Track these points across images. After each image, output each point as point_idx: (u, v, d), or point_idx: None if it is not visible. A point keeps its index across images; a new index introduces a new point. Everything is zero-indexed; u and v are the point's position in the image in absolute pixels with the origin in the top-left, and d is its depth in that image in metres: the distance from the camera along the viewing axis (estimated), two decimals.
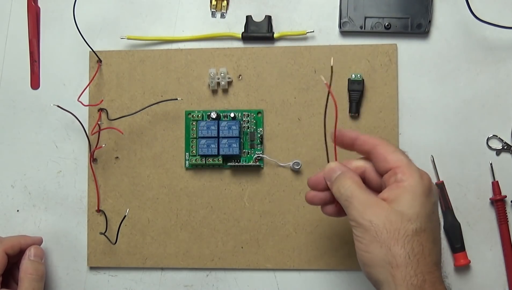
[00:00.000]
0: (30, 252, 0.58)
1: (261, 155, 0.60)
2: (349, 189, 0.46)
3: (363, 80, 0.59)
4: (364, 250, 0.44)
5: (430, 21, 0.60)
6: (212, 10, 0.63)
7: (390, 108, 0.60)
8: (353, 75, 0.59)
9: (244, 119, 0.61)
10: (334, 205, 0.50)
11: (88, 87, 0.62)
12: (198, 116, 0.61)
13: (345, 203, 0.46)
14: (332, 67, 0.48)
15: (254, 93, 0.61)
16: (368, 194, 0.46)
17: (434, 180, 0.59)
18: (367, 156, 0.49)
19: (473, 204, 0.59)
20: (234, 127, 0.59)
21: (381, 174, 0.48)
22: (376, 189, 0.48)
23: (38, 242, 0.61)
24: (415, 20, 0.60)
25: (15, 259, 0.58)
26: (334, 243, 0.59)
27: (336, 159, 0.49)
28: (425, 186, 0.45)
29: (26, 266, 0.57)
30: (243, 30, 0.62)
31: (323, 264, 0.59)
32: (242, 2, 0.62)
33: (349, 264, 0.59)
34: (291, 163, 0.60)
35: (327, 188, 0.49)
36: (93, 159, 0.61)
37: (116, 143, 0.62)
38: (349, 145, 0.49)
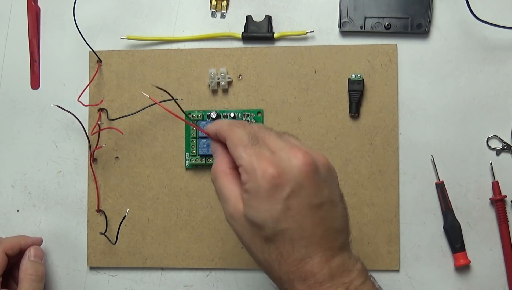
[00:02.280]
0: (30, 253, 0.58)
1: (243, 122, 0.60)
2: (217, 183, 0.44)
3: (363, 80, 0.59)
4: (244, 244, 0.44)
5: (430, 21, 0.60)
6: (212, 10, 0.63)
7: (390, 108, 0.60)
8: (353, 75, 0.59)
9: (244, 119, 0.61)
10: None
11: (88, 87, 0.62)
12: (198, 116, 0.61)
13: (214, 185, 0.44)
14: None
15: (254, 93, 0.61)
16: (232, 194, 0.43)
17: (434, 180, 0.59)
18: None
19: (473, 204, 0.59)
20: None
21: None
22: None
23: (38, 242, 0.61)
24: (415, 20, 0.60)
25: (15, 259, 0.58)
26: None
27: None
28: (268, 184, 0.40)
29: (26, 267, 0.57)
30: (243, 30, 0.62)
31: None
32: (242, 2, 0.62)
33: None
34: None
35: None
36: (93, 159, 0.61)
37: (116, 143, 0.62)
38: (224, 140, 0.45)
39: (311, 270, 0.41)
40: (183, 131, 0.61)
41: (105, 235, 0.60)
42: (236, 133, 0.43)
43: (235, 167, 0.43)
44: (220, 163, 0.44)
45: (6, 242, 0.58)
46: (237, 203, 0.43)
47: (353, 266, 0.42)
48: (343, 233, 0.43)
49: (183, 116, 0.61)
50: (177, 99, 0.60)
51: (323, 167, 0.42)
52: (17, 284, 0.57)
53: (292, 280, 0.41)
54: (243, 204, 0.42)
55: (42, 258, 0.59)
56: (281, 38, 0.61)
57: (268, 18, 0.61)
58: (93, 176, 0.61)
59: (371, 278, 0.43)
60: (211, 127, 0.45)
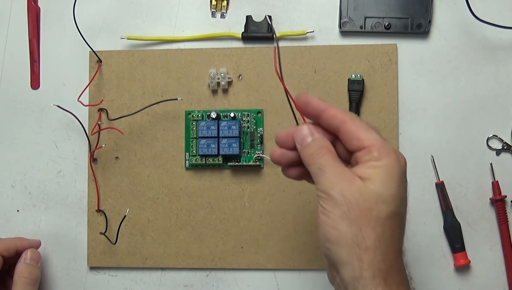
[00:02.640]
0: (26, 255, 0.58)
1: (261, 155, 0.60)
2: (324, 158, 0.42)
3: (363, 80, 0.59)
4: (331, 226, 0.40)
5: (430, 21, 0.60)
6: (212, 10, 0.63)
7: (390, 108, 0.60)
8: (353, 75, 0.59)
9: (244, 119, 0.61)
10: (298, 168, 0.46)
11: (88, 87, 0.62)
12: (198, 116, 0.61)
13: (317, 171, 0.42)
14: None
15: (254, 93, 0.61)
16: (343, 167, 0.42)
17: (434, 180, 0.59)
18: (334, 131, 0.43)
19: (473, 204, 0.59)
20: (234, 127, 0.59)
21: (352, 151, 0.43)
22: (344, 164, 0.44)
23: (36, 245, 0.60)
24: (415, 20, 0.60)
25: (12, 261, 0.58)
26: None
27: (304, 121, 0.44)
28: (402, 168, 0.42)
29: (21, 269, 0.57)
30: (243, 30, 0.62)
31: (323, 264, 0.59)
32: (242, 2, 0.62)
33: None
34: None
35: (295, 148, 0.44)
36: (93, 159, 0.61)
37: (116, 143, 0.62)
38: (315, 117, 0.44)
39: (402, 267, 0.41)
40: (183, 131, 0.61)
41: (105, 235, 0.60)
42: (358, 119, 0.43)
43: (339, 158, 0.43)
44: (326, 143, 0.43)
45: (2, 243, 0.58)
46: (351, 179, 0.41)
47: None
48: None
49: (183, 115, 0.61)
50: (177, 99, 0.61)
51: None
52: None
53: (374, 274, 0.40)
54: (364, 180, 0.41)
55: (38, 261, 0.59)
56: (281, 38, 0.61)
57: (268, 18, 0.61)
58: (93, 176, 0.61)
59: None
60: (317, 104, 0.43)
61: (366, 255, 0.40)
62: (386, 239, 0.40)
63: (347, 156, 0.44)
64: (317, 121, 0.44)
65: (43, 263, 0.62)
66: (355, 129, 0.42)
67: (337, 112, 0.43)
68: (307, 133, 0.43)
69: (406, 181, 0.42)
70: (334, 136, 0.44)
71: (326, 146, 0.43)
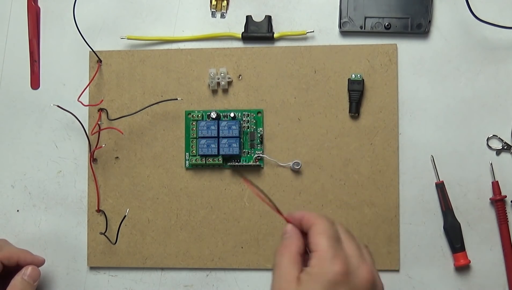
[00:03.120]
0: (26, 271, 0.57)
1: (261, 155, 0.60)
2: (280, 258, 0.46)
3: (363, 80, 0.59)
4: None
5: (430, 21, 0.60)
6: (212, 10, 0.63)
7: (390, 108, 0.60)
8: (353, 75, 0.59)
9: (244, 119, 0.61)
10: None
11: (88, 87, 0.62)
12: (198, 116, 0.61)
13: (273, 268, 0.46)
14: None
15: (254, 93, 0.61)
16: (291, 269, 0.45)
17: (434, 180, 0.59)
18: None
19: (473, 204, 0.59)
20: (234, 127, 0.59)
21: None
22: None
23: (38, 262, 0.59)
24: (415, 20, 0.60)
25: (12, 269, 0.58)
26: None
27: (289, 221, 0.48)
28: (333, 277, 0.43)
29: (15, 284, 0.56)
30: (243, 30, 0.62)
31: None
32: (242, 2, 0.62)
33: None
34: (291, 163, 0.60)
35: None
36: (93, 159, 0.61)
37: (116, 143, 0.62)
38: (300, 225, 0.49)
39: None
40: (183, 131, 0.61)
41: (105, 235, 0.60)
42: (325, 223, 0.46)
43: (302, 254, 0.46)
44: (291, 244, 0.46)
45: (5, 251, 0.58)
46: (290, 282, 0.44)
47: None
48: None
49: (183, 115, 0.61)
50: (177, 99, 0.61)
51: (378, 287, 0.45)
52: None
53: None
54: (297, 285, 0.44)
55: (36, 280, 0.58)
56: (281, 38, 0.61)
57: (268, 18, 0.61)
58: (93, 176, 0.61)
59: None
60: (298, 214, 0.47)
61: None
62: None
63: None
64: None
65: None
66: (312, 232, 0.45)
67: (311, 216, 0.46)
68: (286, 230, 0.47)
69: (342, 287, 0.43)
70: None
71: (289, 246, 0.46)
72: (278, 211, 0.47)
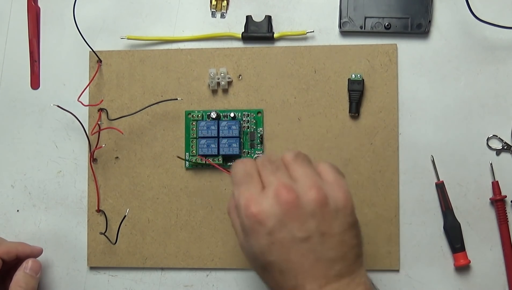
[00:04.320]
0: (27, 265, 0.57)
1: (261, 155, 0.60)
2: (230, 215, 0.49)
3: (363, 80, 0.59)
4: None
5: (430, 21, 0.60)
6: (212, 10, 0.63)
7: (390, 108, 0.60)
8: (353, 75, 0.59)
9: (244, 119, 0.61)
10: None
11: (88, 87, 0.62)
12: (198, 116, 0.61)
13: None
14: None
15: (254, 93, 0.61)
16: (236, 227, 0.48)
17: (434, 180, 0.59)
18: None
19: (473, 204, 0.59)
20: (234, 127, 0.59)
21: None
22: None
23: (37, 252, 0.60)
24: (415, 20, 0.60)
25: (12, 264, 0.58)
26: None
27: None
28: (250, 221, 0.44)
29: (18, 278, 0.56)
30: (243, 30, 0.62)
31: None
32: (242, 2, 0.62)
33: None
34: None
35: None
36: (93, 159, 0.61)
37: (116, 143, 0.62)
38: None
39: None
40: (183, 131, 0.61)
41: (105, 235, 0.60)
42: (234, 169, 0.47)
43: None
44: (231, 199, 0.48)
45: (3, 246, 0.58)
46: (239, 235, 0.47)
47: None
48: (339, 262, 0.43)
49: (183, 115, 0.61)
50: (177, 99, 0.61)
51: (307, 201, 0.43)
52: None
53: None
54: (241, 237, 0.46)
55: (38, 272, 0.58)
56: (281, 38, 0.61)
57: (268, 18, 0.61)
58: (93, 176, 0.61)
59: None
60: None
61: None
62: (273, 287, 0.46)
63: None
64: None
65: (43, 263, 0.61)
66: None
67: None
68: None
69: (262, 225, 0.44)
70: None
71: (232, 206, 0.48)
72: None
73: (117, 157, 0.62)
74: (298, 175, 0.45)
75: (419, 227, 0.59)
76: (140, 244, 0.61)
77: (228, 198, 0.60)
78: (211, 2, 0.62)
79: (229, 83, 0.61)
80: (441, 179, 0.59)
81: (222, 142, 0.59)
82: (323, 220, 0.43)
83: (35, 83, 0.64)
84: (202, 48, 0.62)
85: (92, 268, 0.62)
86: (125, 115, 0.61)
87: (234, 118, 0.60)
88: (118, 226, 0.60)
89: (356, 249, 0.44)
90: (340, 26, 0.61)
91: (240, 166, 0.47)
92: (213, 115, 0.59)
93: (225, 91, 0.61)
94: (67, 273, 0.62)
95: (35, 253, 0.60)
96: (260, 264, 0.45)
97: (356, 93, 0.59)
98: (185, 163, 0.61)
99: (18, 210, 0.63)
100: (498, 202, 0.58)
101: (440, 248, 0.59)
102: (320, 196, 0.43)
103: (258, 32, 0.61)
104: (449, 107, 0.60)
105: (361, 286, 0.44)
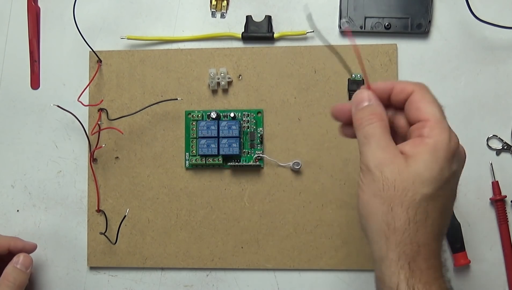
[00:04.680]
0: (18, 259, 0.57)
1: (261, 155, 0.60)
2: (372, 127, 0.40)
3: (363, 80, 0.59)
4: (365, 201, 0.40)
5: (430, 21, 0.60)
6: (212, 10, 0.63)
7: None
8: (353, 75, 0.59)
9: (244, 119, 0.61)
10: (353, 129, 0.43)
11: (88, 87, 0.62)
12: (198, 116, 0.61)
13: (363, 139, 0.41)
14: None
15: (254, 93, 0.61)
16: (390, 140, 0.40)
17: None
18: (403, 106, 0.43)
19: (473, 204, 0.59)
20: (234, 127, 0.59)
21: (410, 123, 0.42)
22: (400, 139, 0.42)
23: (30, 248, 0.59)
24: (415, 20, 0.60)
25: (5, 258, 0.58)
26: (334, 243, 0.59)
27: (369, 88, 0.43)
28: (451, 149, 0.39)
29: (7, 272, 0.56)
30: (243, 30, 0.62)
31: (323, 264, 0.59)
32: (242, 2, 0.62)
33: (349, 264, 0.59)
34: (291, 163, 0.60)
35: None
36: (93, 159, 0.61)
37: (116, 143, 0.62)
38: (385, 99, 0.43)
39: (434, 254, 0.40)
40: (183, 131, 0.61)
41: (105, 235, 0.60)
42: (428, 91, 0.42)
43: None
44: (380, 111, 0.41)
45: None
46: (396, 156, 0.40)
47: (445, 272, 0.41)
48: (441, 240, 0.42)
49: (183, 115, 0.61)
50: (177, 99, 0.61)
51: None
52: None
53: (399, 256, 0.39)
54: (406, 159, 0.39)
55: (29, 267, 0.58)
56: (281, 38, 0.61)
57: (268, 18, 0.61)
58: (93, 176, 0.61)
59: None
60: (384, 83, 0.43)
61: (393, 236, 0.39)
62: (417, 222, 0.39)
63: (404, 132, 0.43)
64: (389, 103, 0.43)
65: (43, 263, 0.62)
66: (419, 99, 0.41)
67: (406, 84, 0.42)
68: (365, 98, 0.42)
69: (454, 165, 0.40)
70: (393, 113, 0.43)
71: (379, 114, 0.41)
72: (364, 71, 0.43)
73: (117, 157, 0.62)
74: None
75: None
76: (140, 244, 0.61)
77: (227, 198, 0.60)
78: (211, 2, 0.62)
79: (229, 83, 0.61)
80: None
81: (222, 142, 0.59)
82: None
83: (35, 83, 0.64)
84: (202, 48, 0.62)
85: (92, 268, 0.62)
86: (125, 115, 0.61)
87: (234, 118, 0.60)
88: (118, 226, 0.60)
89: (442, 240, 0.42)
90: (340, 26, 0.61)
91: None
92: (213, 115, 0.59)
93: (225, 91, 0.61)
94: (67, 273, 0.62)
95: (28, 249, 0.59)
96: (424, 193, 0.39)
97: None
98: (185, 163, 0.61)
99: (18, 210, 0.63)
100: (498, 202, 0.58)
101: None
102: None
103: (258, 32, 0.61)
104: (449, 107, 0.60)
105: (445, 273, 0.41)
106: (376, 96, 0.42)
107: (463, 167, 0.42)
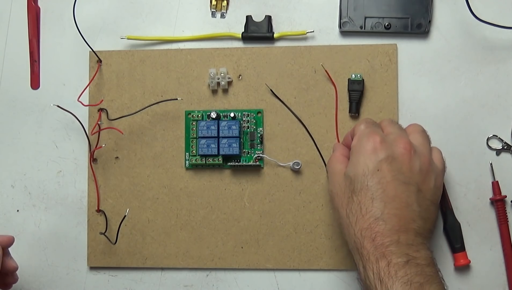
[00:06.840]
0: None
1: (261, 155, 0.60)
2: (329, 165, 0.55)
3: (363, 80, 0.59)
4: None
5: (430, 21, 0.60)
6: (212, 10, 0.63)
7: (390, 108, 0.60)
8: (353, 75, 0.59)
9: (244, 119, 0.61)
10: None
11: (88, 87, 0.62)
12: (198, 116, 0.61)
13: (328, 166, 0.55)
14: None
15: (254, 93, 0.61)
16: (337, 167, 0.53)
17: None
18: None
19: (473, 204, 0.59)
20: (234, 127, 0.59)
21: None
22: None
23: (6, 242, 0.55)
24: (415, 20, 0.60)
25: None
26: (334, 243, 0.59)
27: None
28: (370, 145, 0.50)
29: None
30: (243, 30, 0.62)
31: (323, 264, 0.59)
32: (242, 2, 0.62)
33: (349, 264, 0.59)
34: (291, 163, 0.60)
35: None
36: (93, 159, 0.61)
37: (116, 143, 0.62)
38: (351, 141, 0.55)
39: (381, 232, 0.47)
40: (183, 131, 0.61)
41: (105, 235, 0.60)
42: (364, 119, 0.55)
43: (347, 156, 0.53)
44: (337, 152, 0.55)
45: None
46: (341, 171, 0.52)
47: (422, 248, 0.47)
48: (420, 220, 0.49)
49: (183, 115, 0.61)
50: (177, 99, 0.61)
51: (424, 160, 0.51)
52: None
53: (364, 238, 0.47)
54: (346, 167, 0.51)
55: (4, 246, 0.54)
56: (281, 38, 0.61)
57: (268, 18, 0.61)
58: (93, 176, 0.61)
59: (438, 270, 0.48)
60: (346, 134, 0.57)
61: (345, 232, 0.51)
62: (354, 214, 0.49)
63: None
64: None
65: (43, 263, 0.62)
66: (356, 126, 0.54)
67: (354, 127, 0.55)
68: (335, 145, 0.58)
69: (379, 155, 0.49)
70: None
71: (334, 154, 0.56)
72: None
73: (117, 157, 0.62)
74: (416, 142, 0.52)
75: None
76: (140, 244, 0.61)
77: (227, 198, 0.60)
78: (211, 2, 0.62)
79: (229, 83, 0.61)
80: None
81: (222, 142, 0.59)
82: (427, 179, 0.50)
83: (35, 83, 0.64)
84: (202, 48, 0.62)
85: (92, 268, 0.62)
86: (125, 115, 0.61)
87: (234, 118, 0.60)
88: (118, 226, 0.60)
89: (432, 223, 0.51)
90: (340, 26, 0.61)
91: (367, 119, 0.55)
92: (213, 115, 0.59)
93: (225, 91, 0.61)
94: (67, 273, 0.62)
95: (5, 243, 0.55)
96: (354, 188, 0.49)
97: (356, 93, 0.59)
98: (185, 163, 0.61)
99: (18, 210, 0.63)
100: (498, 202, 0.58)
101: (440, 248, 0.59)
102: (436, 157, 0.53)
103: (258, 32, 0.61)
104: (449, 107, 0.60)
105: (429, 251, 0.48)
106: (338, 143, 0.58)
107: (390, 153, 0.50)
